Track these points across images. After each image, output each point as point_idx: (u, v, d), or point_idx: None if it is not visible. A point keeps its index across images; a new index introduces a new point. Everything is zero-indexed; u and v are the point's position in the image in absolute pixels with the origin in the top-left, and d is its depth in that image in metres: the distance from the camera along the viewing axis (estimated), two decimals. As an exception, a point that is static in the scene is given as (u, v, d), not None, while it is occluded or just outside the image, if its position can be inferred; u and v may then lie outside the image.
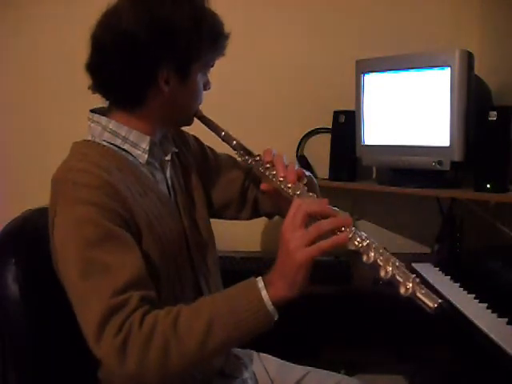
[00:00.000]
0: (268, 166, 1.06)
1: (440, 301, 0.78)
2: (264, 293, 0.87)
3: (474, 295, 1.28)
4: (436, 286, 1.38)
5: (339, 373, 1.30)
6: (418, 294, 0.79)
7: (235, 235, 1.86)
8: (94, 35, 1.00)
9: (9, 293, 1.03)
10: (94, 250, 0.88)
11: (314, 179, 1.22)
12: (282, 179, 1.03)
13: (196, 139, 1.28)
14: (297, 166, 1.08)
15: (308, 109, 1.97)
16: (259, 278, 0.89)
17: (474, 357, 1.20)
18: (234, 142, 1.12)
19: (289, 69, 1.97)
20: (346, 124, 1.87)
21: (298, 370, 1.27)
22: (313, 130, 1.98)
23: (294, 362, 1.30)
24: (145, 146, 1.03)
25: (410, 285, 0.80)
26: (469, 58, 1.57)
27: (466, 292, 1.31)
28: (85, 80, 1.04)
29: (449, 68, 1.57)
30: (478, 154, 1.56)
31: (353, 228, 0.88)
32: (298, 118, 1.97)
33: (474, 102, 1.59)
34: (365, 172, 1.97)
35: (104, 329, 0.84)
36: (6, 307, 1.03)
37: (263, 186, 1.12)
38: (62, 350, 1.07)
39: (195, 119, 1.13)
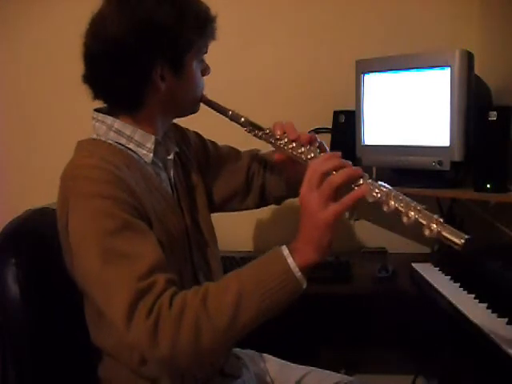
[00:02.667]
0: (278, 136, 1.07)
1: (467, 236, 0.78)
2: (290, 260, 0.87)
3: (473, 295, 1.28)
4: (436, 286, 1.38)
5: (339, 373, 1.30)
6: (444, 233, 0.79)
7: (236, 235, 1.86)
8: (85, 45, 1.00)
9: (9, 293, 1.03)
10: (114, 239, 0.89)
11: (326, 145, 1.19)
12: (293, 145, 1.03)
13: (197, 135, 1.29)
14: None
15: (308, 109, 1.96)
16: (284, 247, 0.89)
17: (474, 357, 1.20)
18: (243, 119, 1.12)
19: (289, 69, 1.97)
20: (346, 124, 1.86)
21: (299, 369, 1.27)
22: (313, 130, 1.98)
23: (294, 362, 1.30)
24: (150, 145, 1.04)
25: (434, 226, 0.79)
26: (469, 58, 1.57)
27: (465, 292, 1.31)
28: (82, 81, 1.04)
29: (449, 68, 1.57)
30: (477, 153, 1.56)
31: (369, 180, 0.88)
32: (298, 118, 1.95)
33: (473, 102, 1.59)
34: (365, 172, 1.97)
35: (133, 313, 0.84)
36: (6, 307, 1.03)
37: (276, 156, 1.12)
38: (62, 349, 1.07)
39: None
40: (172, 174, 1.12)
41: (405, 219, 0.82)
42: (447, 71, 1.57)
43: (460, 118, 1.57)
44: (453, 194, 1.71)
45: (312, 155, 0.99)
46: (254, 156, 1.30)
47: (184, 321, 0.84)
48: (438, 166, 1.61)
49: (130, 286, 0.85)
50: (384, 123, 1.75)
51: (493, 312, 1.17)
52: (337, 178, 0.86)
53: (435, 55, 1.62)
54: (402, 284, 1.60)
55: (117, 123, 1.03)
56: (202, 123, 1.27)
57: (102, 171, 0.94)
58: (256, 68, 1.97)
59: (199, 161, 1.24)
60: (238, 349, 1.25)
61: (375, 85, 1.76)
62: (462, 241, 0.78)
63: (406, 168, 1.71)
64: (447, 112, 1.58)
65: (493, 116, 1.51)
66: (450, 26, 1.90)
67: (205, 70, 1.10)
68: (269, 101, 1.98)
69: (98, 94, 1.03)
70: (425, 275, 1.48)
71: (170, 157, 1.11)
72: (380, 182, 0.88)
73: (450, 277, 1.43)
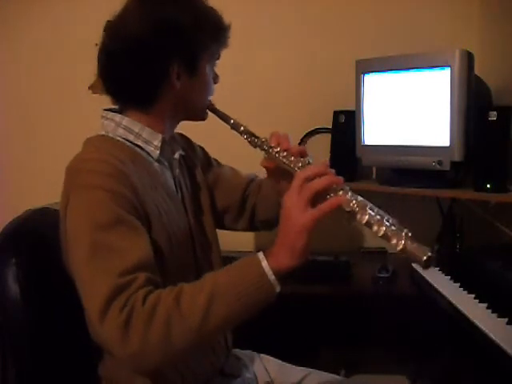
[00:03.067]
0: (273, 145, 1.08)
1: (430, 253, 0.80)
2: (264, 263, 0.88)
3: (473, 295, 1.28)
4: (436, 286, 1.38)
5: (339, 373, 1.30)
6: (409, 248, 0.81)
7: (236, 235, 1.86)
8: (103, 44, 1.03)
9: (9, 293, 1.03)
10: (104, 233, 0.89)
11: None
12: (285, 154, 1.05)
13: (202, 148, 1.32)
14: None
15: (308, 109, 1.97)
16: (260, 252, 0.90)
17: (474, 357, 1.20)
18: (242, 128, 1.14)
19: (289, 69, 1.97)
20: (346, 124, 1.87)
21: (298, 371, 1.27)
22: (313, 130, 1.98)
23: (294, 362, 1.30)
24: (157, 143, 1.06)
25: (401, 241, 0.82)
26: (469, 58, 1.57)
27: (465, 292, 1.31)
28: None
29: (449, 68, 1.57)
30: (477, 153, 1.56)
31: (349, 192, 0.90)
32: (298, 118, 1.98)
33: (473, 102, 1.59)
34: (365, 172, 1.97)
35: (109, 307, 0.84)
36: (6, 307, 1.03)
37: (263, 163, 1.14)
38: (62, 349, 1.07)
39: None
40: (177, 174, 1.13)
41: (375, 228, 0.85)
42: (447, 71, 1.57)
43: (460, 118, 1.57)
44: (453, 194, 1.71)
45: (300, 165, 1.01)
46: (252, 179, 1.33)
47: (155, 318, 0.84)
48: (438, 166, 1.61)
49: (110, 281, 0.85)
50: (384, 123, 1.75)
51: (493, 312, 1.17)
52: (316, 183, 0.88)
53: (435, 55, 1.62)
54: (401, 284, 1.61)
55: (125, 120, 1.05)
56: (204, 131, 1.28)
57: (106, 165, 0.95)
58: (256, 68, 1.97)
59: (203, 169, 1.26)
60: (237, 349, 1.25)
61: (375, 85, 1.76)
62: (425, 257, 0.80)
63: (406, 168, 1.71)
64: (447, 112, 1.58)
65: (493, 116, 1.51)
66: (450, 26, 1.91)
67: (215, 78, 1.13)
68: (269, 101, 1.98)
69: (112, 91, 1.06)
70: (425, 275, 1.48)
71: (176, 156, 1.13)
72: (358, 196, 0.90)
73: (449, 277, 1.43)
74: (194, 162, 1.24)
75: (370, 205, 0.88)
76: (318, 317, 1.75)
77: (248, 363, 1.25)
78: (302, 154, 1.07)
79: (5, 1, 1.95)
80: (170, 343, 0.84)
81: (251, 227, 1.34)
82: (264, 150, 1.10)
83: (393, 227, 0.84)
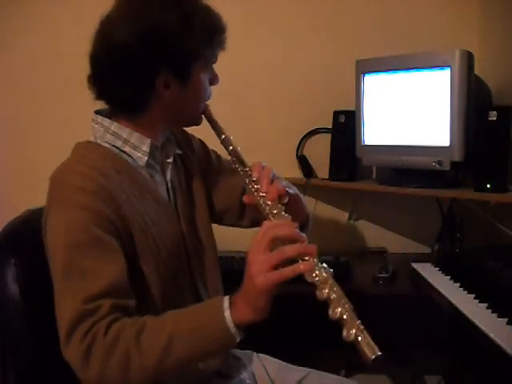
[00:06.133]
0: (255, 179, 1.04)
1: (379, 353, 0.78)
2: (227, 313, 0.87)
3: (473, 295, 1.28)
4: (436, 286, 1.38)
5: (339, 373, 1.30)
6: (360, 341, 0.80)
7: (235, 235, 1.86)
8: (92, 47, 1.01)
9: (9, 293, 1.03)
10: (77, 253, 0.90)
11: (301, 196, 1.19)
12: (263, 195, 1.00)
13: (201, 142, 1.28)
14: (284, 182, 1.06)
15: (308, 109, 1.97)
16: (226, 298, 0.89)
17: (474, 357, 1.20)
18: (231, 148, 1.08)
19: (289, 69, 1.97)
20: (346, 124, 1.87)
21: (298, 371, 1.26)
22: (313, 130, 1.98)
23: (294, 363, 1.29)
24: (145, 148, 1.04)
25: (354, 331, 0.80)
26: (469, 58, 1.58)
27: (465, 292, 1.31)
28: (86, 81, 1.04)
29: (449, 68, 1.57)
30: (477, 154, 1.56)
31: (315, 259, 0.87)
32: (298, 118, 1.97)
33: (473, 102, 1.59)
34: (365, 172, 1.97)
35: (72, 333, 0.86)
36: (6, 307, 1.04)
37: (245, 199, 1.09)
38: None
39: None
40: (169, 177, 1.10)
41: (330, 311, 0.83)
42: (447, 71, 1.57)
43: (460, 118, 1.57)
44: (453, 194, 1.72)
45: (275, 211, 0.97)
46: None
47: (115, 352, 0.85)
48: (437, 166, 1.61)
49: (76, 305, 0.87)
50: (384, 123, 1.75)
51: (493, 312, 1.17)
52: (290, 251, 0.86)
53: (435, 55, 1.62)
54: (401, 284, 1.60)
55: (114, 126, 1.03)
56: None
57: (87, 180, 0.94)
58: (256, 68, 1.97)
59: (201, 167, 1.23)
60: (236, 349, 1.25)
61: (375, 85, 1.76)
62: (373, 356, 0.78)
63: (405, 168, 1.71)
64: (447, 112, 1.58)
65: (493, 116, 1.51)
66: (450, 26, 1.91)
67: (213, 79, 1.08)
68: (269, 101, 1.98)
69: (100, 95, 1.03)
70: (425, 275, 1.48)
71: (170, 160, 1.11)
72: (324, 265, 0.87)
73: (449, 277, 1.43)
74: (192, 161, 1.20)
75: (331, 280, 0.86)
76: (317, 317, 1.75)
77: (247, 363, 1.24)
78: (281, 197, 1.02)
79: (2, 3, 1.94)
80: (127, 376, 0.87)
81: (254, 225, 1.30)
82: (245, 182, 1.06)
83: (349, 313, 0.82)
